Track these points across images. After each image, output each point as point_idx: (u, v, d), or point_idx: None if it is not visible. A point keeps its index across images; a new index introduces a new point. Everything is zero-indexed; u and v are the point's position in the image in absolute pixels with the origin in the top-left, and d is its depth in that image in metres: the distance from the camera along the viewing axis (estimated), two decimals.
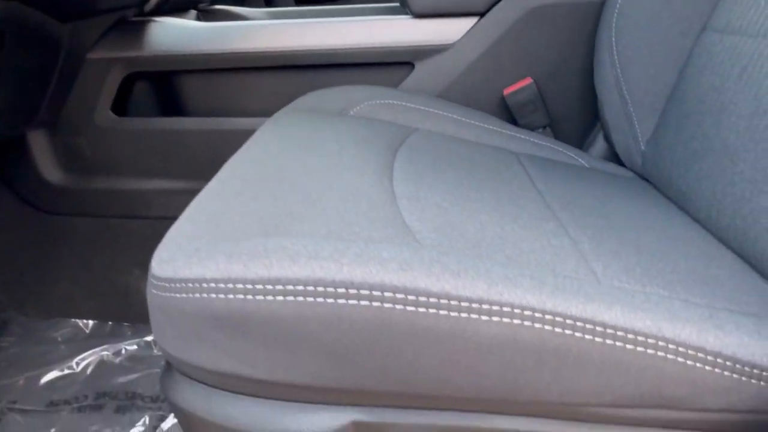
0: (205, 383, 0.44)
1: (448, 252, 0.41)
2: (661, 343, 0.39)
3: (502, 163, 0.76)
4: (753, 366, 0.40)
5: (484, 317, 0.37)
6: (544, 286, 0.39)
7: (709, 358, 0.39)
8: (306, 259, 0.38)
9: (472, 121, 0.89)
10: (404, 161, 0.68)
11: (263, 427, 0.42)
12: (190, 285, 0.39)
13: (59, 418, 0.84)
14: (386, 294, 0.37)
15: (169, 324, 0.42)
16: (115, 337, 1.01)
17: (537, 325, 0.37)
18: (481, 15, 0.93)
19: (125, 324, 1.04)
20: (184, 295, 0.40)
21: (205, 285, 0.39)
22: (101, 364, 0.95)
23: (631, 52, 0.84)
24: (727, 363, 0.39)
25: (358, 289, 0.37)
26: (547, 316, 0.38)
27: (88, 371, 0.94)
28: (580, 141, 0.98)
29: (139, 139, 1.02)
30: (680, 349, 0.39)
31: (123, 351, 0.98)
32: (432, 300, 0.37)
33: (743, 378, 0.39)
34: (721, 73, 0.69)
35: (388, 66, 0.97)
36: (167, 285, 0.41)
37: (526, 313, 0.37)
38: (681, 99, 0.76)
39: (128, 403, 0.86)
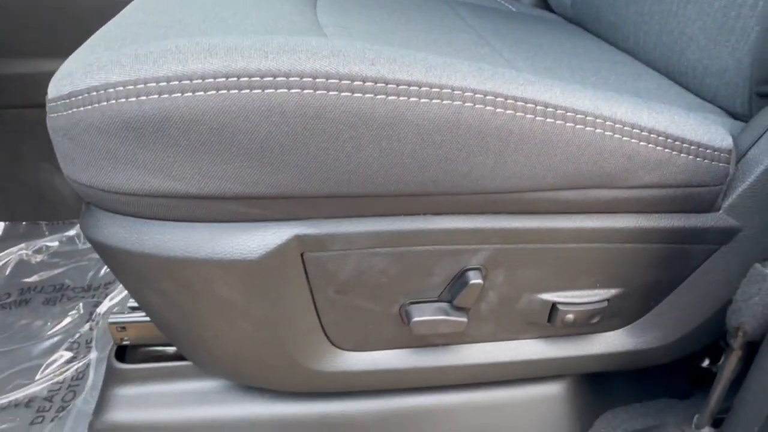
0: (129, 214, 0.40)
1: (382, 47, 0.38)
2: (599, 120, 0.38)
3: (433, 6, 0.72)
4: (683, 141, 0.41)
5: (423, 100, 0.35)
6: (483, 71, 0.38)
7: (644, 133, 0.40)
8: (225, 50, 0.34)
9: None
10: (327, 4, 0.62)
11: (201, 251, 0.39)
12: (95, 94, 0.35)
13: None
14: (318, 80, 0.34)
15: (77, 149, 0.37)
16: (31, 236, 0.93)
17: (478, 106, 0.36)
18: None
19: (41, 222, 0.96)
20: (89, 107, 0.35)
21: (111, 90, 0.34)
22: (21, 263, 0.88)
23: None
24: (659, 138, 0.40)
25: (286, 77, 0.33)
26: (488, 97, 0.36)
27: (7, 271, 0.87)
28: None
29: (21, 13, 0.88)
30: (617, 125, 0.39)
31: (44, 248, 0.91)
32: (368, 84, 0.34)
33: (674, 152, 0.41)
34: None
35: None
36: (67, 101, 0.36)
37: (467, 94, 0.36)
38: None
39: (57, 294, 0.81)
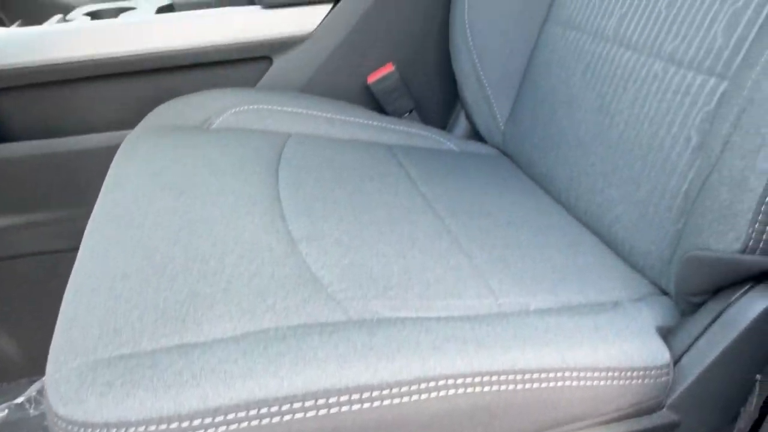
0: None
1: (374, 328, 0.42)
2: (566, 374, 0.45)
3: (382, 164, 0.77)
4: (632, 369, 0.48)
5: (423, 396, 0.40)
6: (467, 345, 0.43)
7: (602, 373, 0.46)
8: (241, 380, 0.37)
9: (343, 117, 0.87)
10: (289, 186, 0.65)
11: None
12: (114, 431, 0.36)
13: None
14: (331, 400, 0.37)
15: None
16: None
17: (469, 390, 0.41)
18: (335, 1, 0.89)
19: None
20: None
21: (132, 429, 0.36)
22: None
23: (485, 38, 0.87)
24: (615, 373, 0.47)
25: (302, 401, 0.37)
26: (476, 378, 0.41)
27: None
28: (444, 120, 1.02)
29: None
30: (581, 373, 0.45)
31: None
32: (375, 393, 0.38)
33: (627, 381, 0.48)
34: (567, 67, 0.75)
35: (245, 62, 0.90)
36: (83, 431, 0.37)
37: (459, 381, 0.41)
38: (534, 86, 0.83)
39: None
